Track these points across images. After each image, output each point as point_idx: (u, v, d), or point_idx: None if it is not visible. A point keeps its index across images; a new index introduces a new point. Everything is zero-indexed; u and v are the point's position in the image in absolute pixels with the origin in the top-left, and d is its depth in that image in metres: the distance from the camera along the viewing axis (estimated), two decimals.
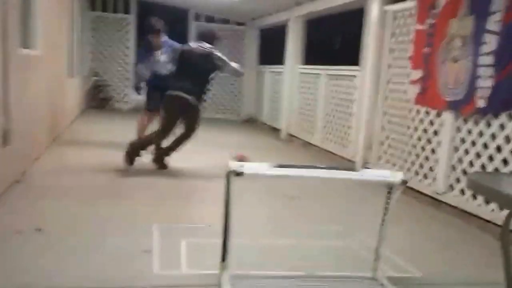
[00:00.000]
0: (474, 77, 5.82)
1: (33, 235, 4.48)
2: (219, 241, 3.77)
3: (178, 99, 7.51)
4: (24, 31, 6.79)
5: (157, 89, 8.43)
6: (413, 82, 7.05)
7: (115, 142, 9.76)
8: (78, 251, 4.21)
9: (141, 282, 3.70)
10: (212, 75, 7.72)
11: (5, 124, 5.60)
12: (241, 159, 7.38)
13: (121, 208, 5.54)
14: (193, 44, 7.89)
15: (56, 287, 3.55)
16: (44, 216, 5.03)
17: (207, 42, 7.72)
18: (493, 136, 5.68)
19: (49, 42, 8.48)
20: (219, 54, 7.61)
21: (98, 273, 3.79)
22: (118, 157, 8.28)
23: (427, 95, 6.76)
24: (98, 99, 15.65)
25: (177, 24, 14.20)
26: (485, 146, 5.78)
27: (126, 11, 15.64)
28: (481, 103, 5.73)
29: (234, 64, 7.75)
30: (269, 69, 14.21)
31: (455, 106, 6.20)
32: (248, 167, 3.54)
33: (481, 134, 5.84)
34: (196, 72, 7.57)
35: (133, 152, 7.47)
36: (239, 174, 3.48)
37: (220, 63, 7.58)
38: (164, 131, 7.64)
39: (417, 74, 6.95)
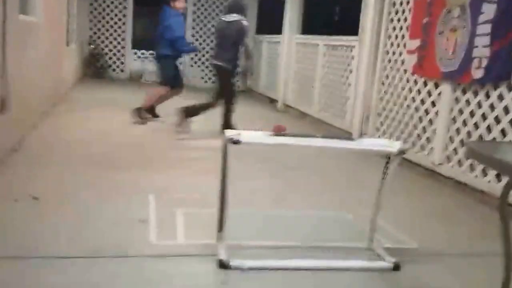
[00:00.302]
0: (471, 47, 5.78)
1: (30, 204, 4.46)
2: (214, 211, 3.77)
3: (213, 67, 8.63)
4: None
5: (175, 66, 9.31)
6: (410, 52, 7.00)
7: (112, 110, 9.76)
8: (74, 220, 4.19)
9: (137, 252, 3.69)
10: (242, 41, 8.37)
11: (2, 91, 5.55)
12: (279, 130, 7.89)
13: (118, 177, 5.52)
14: (224, 17, 8.46)
15: (53, 256, 3.53)
16: (41, 185, 5.01)
17: (235, 13, 8.24)
18: (492, 107, 5.64)
19: (48, 9, 8.40)
20: (247, 24, 8.35)
21: (94, 242, 3.78)
22: (115, 125, 8.30)
23: (424, 65, 6.72)
24: (95, 68, 15.58)
25: None
26: (484, 117, 5.74)
27: None
28: (477, 74, 5.69)
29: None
30: (266, 38, 14.10)
31: (451, 76, 6.16)
32: (245, 136, 3.51)
33: (479, 104, 5.80)
34: (228, 40, 8.27)
35: (188, 114, 8.17)
36: (236, 142, 3.45)
37: (246, 31, 8.30)
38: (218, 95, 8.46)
39: (415, 43, 6.90)
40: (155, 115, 9.12)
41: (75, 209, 4.44)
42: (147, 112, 9.02)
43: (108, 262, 3.52)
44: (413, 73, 6.99)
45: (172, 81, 9.08)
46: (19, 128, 6.58)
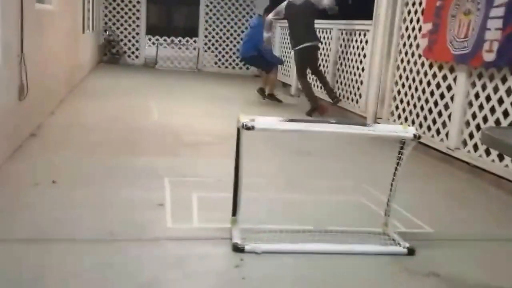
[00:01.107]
0: (484, 29, 5.73)
1: (49, 188, 4.52)
2: (229, 195, 3.79)
3: (308, 49, 9.42)
4: None
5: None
6: (423, 36, 6.98)
7: (129, 95, 9.82)
8: (92, 204, 4.24)
9: (153, 235, 3.73)
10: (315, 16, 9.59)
11: (21, 78, 5.61)
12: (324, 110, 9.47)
13: (135, 161, 5.57)
14: (293, 2, 9.46)
15: (71, 239, 3.57)
16: (59, 169, 5.06)
17: None
18: (509, 91, 5.60)
19: None
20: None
21: (112, 225, 3.81)
22: (132, 110, 8.34)
23: (434, 48, 6.69)
24: (110, 54, 15.66)
25: None
26: (500, 101, 5.70)
27: None
28: (489, 57, 5.65)
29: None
30: (279, 23, 14.02)
31: (462, 59, 6.12)
32: (258, 122, 3.52)
33: (496, 89, 5.76)
34: (310, 20, 9.38)
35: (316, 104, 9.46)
36: (249, 128, 3.46)
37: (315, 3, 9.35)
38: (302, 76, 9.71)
39: (427, 27, 6.87)
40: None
41: (93, 193, 4.49)
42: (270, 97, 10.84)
43: (125, 245, 3.55)
44: (424, 56, 6.98)
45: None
46: (37, 114, 6.67)
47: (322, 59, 10.83)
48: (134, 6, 15.65)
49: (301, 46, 9.36)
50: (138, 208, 4.21)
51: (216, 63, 16.37)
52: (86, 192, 4.49)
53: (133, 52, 16.01)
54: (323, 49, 10.80)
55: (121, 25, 15.75)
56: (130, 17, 15.74)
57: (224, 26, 16.12)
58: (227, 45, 16.24)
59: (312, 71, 9.87)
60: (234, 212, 3.77)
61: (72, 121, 7.37)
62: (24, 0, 5.53)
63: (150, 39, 16.44)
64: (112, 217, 3.98)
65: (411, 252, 3.70)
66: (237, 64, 16.11)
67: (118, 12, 15.64)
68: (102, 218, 3.95)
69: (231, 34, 16.25)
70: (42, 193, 4.39)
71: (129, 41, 15.91)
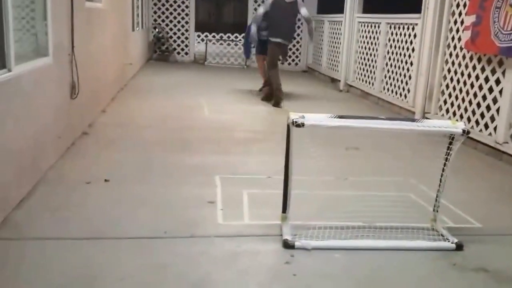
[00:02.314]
0: None
1: (101, 186, 4.67)
2: (278, 192, 3.87)
3: (279, 45, 9.69)
4: None
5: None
6: (466, 28, 6.94)
7: (179, 93, 9.93)
8: (144, 201, 4.37)
9: (205, 232, 3.83)
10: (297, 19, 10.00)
11: (72, 76, 5.76)
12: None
13: (186, 159, 5.68)
14: None
15: (123, 237, 3.71)
16: (111, 167, 5.22)
17: None
18: None
19: None
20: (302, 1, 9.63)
21: (164, 223, 3.93)
22: (182, 109, 8.46)
23: (476, 40, 6.64)
24: (160, 51, 15.86)
25: None
26: None
27: None
28: None
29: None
30: (328, 18, 14.02)
31: (508, 52, 6.07)
32: (308, 118, 3.59)
33: None
34: (288, 20, 9.58)
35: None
36: (299, 125, 3.53)
37: (301, 9, 9.57)
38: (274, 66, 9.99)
39: (470, 19, 6.82)
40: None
41: (144, 191, 4.61)
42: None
43: (178, 242, 3.67)
44: (466, 49, 6.94)
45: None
46: (88, 112, 6.82)
47: (371, 54, 10.81)
48: (183, 2, 15.80)
49: (278, 40, 9.61)
50: (190, 205, 4.33)
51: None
52: (138, 190, 4.63)
53: (182, 49, 16.18)
54: (372, 43, 10.79)
55: (170, 21, 15.94)
56: (179, 14, 15.90)
57: None
58: None
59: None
60: (284, 209, 3.86)
61: (124, 119, 7.54)
62: None
63: (199, 36, 16.58)
64: (164, 215, 4.11)
65: (459, 247, 3.73)
66: (286, 60, 16.10)
67: (167, 9, 15.83)
68: (155, 216, 4.08)
69: None
70: (94, 192, 4.54)
71: (179, 38, 16.08)
